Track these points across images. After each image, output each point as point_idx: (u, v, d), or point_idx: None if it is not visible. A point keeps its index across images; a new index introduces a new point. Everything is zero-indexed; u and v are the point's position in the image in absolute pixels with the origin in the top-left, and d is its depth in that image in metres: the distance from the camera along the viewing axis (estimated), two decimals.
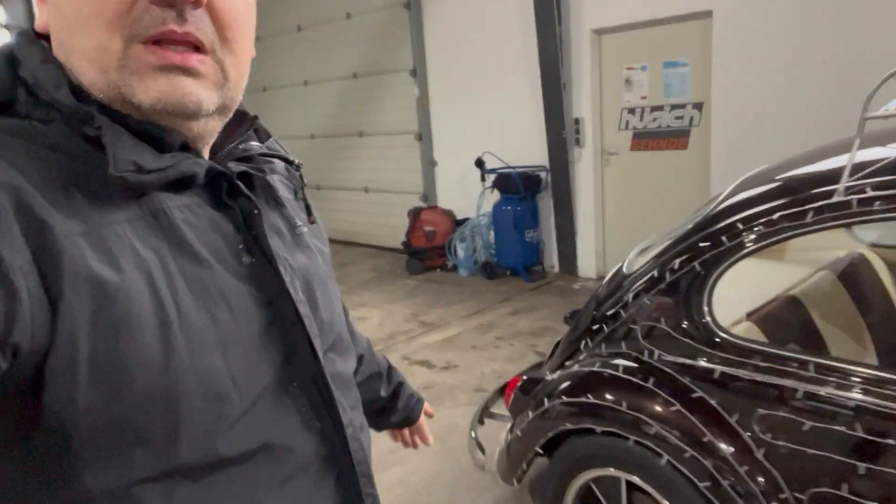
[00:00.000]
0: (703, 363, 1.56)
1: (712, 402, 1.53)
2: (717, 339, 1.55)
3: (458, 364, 3.72)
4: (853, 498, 1.31)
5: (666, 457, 1.55)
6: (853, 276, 2.06)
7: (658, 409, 1.58)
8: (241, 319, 0.59)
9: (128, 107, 0.55)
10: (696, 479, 1.50)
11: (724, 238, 1.55)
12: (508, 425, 2.09)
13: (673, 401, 1.57)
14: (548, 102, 5.03)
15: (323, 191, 7.47)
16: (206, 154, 0.65)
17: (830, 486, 1.35)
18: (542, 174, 5.29)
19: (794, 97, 3.91)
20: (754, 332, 1.64)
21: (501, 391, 2.47)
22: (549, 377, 1.95)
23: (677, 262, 1.64)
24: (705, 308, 1.58)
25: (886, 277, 2.15)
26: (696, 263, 1.60)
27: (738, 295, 1.74)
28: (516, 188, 5.14)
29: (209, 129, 0.62)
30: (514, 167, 5.28)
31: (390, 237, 6.59)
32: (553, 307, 4.62)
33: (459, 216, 5.87)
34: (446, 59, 5.83)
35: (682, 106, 4.61)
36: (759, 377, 1.46)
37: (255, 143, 0.72)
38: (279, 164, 0.75)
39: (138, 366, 0.51)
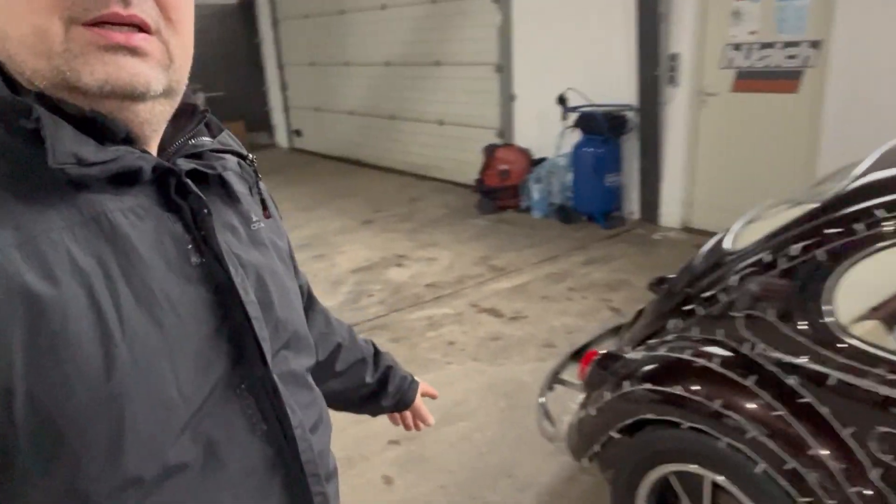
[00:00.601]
0: (816, 366, 1.37)
1: (823, 410, 1.35)
2: (838, 342, 1.35)
3: (528, 315, 3.60)
4: None
5: (763, 465, 1.39)
6: None
7: (759, 411, 1.41)
8: (189, 323, 0.58)
9: (73, 94, 0.53)
10: (795, 493, 1.34)
11: (857, 226, 1.32)
12: (580, 397, 1.97)
13: (777, 404, 1.39)
14: (642, 34, 4.62)
15: (396, 121, 7.31)
16: (153, 149, 0.62)
17: None
18: (629, 114, 4.93)
19: None
20: (880, 332, 1.42)
21: (575, 356, 2.34)
22: (630, 355, 1.80)
23: (797, 247, 1.43)
24: (826, 305, 1.37)
25: None
26: (819, 252, 1.38)
27: (863, 284, 1.51)
28: (600, 128, 4.82)
29: (156, 114, 0.60)
30: (598, 105, 4.94)
31: (463, 173, 6.40)
32: (631, 258, 4.39)
33: (536, 155, 5.60)
34: None
35: (797, 44, 4.12)
36: (888, 391, 1.26)
37: (206, 139, 0.69)
38: (231, 160, 0.72)
39: (78, 379, 0.50)
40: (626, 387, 1.68)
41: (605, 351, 1.93)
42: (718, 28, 4.47)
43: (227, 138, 0.75)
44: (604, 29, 4.96)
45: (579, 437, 1.89)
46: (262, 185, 0.77)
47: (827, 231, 1.37)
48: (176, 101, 0.63)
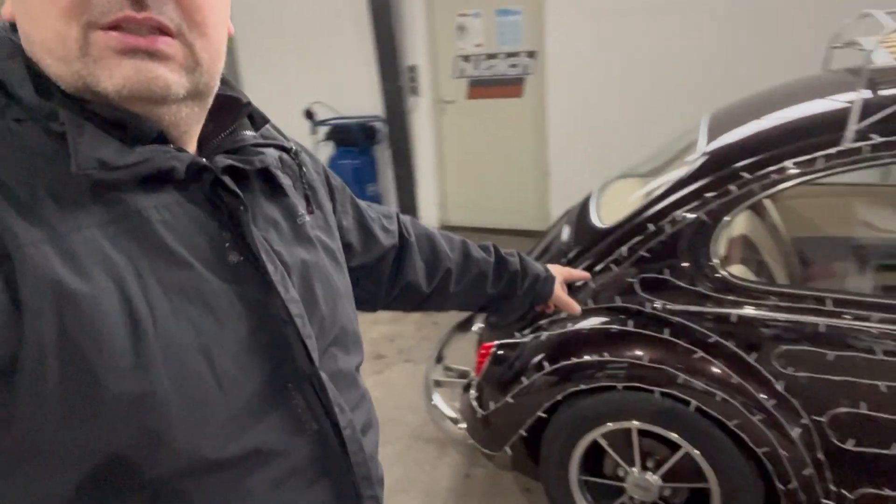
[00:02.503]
0: (717, 309, 1.62)
1: (730, 344, 1.60)
2: (729, 286, 1.61)
3: None
4: (871, 413, 1.48)
5: (694, 403, 1.59)
6: (758, 211, 2.30)
7: (681, 358, 1.61)
8: (226, 321, 0.57)
9: (96, 97, 0.53)
10: (725, 420, 1.57)
11: (731, 187, 1.60)
12: (472, 394, 2.00)
13: (694, 348, 1.61)
14: (380, 48, 4.79)
15: None
16: (191, 146, 0.62)
17: (849, 406, 1.51)
18: (378, 125, 5.07)
19: (629, 46, 4.21)
20: (746, 273, 1.75)
21: (439, 359, 2.36)
22: (527, 339, 1.88)
23: (678, 213, 1.67)
24: (714, 258, 1.63)
25: (772, 208, 2.45)
26: (701, 213, 1.64)
27: (732, 235, 1.82)
28: (354, 140, 4.87)
29: (182, 117, 0.58)
30: (348, 118, 4.98)
31: None
32: None
33: None
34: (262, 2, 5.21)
35: (517, 54, 4.72)
36: (779, 316, 1.56)
37: (248, 133, 0.68)
38: (272, 153, 0.70)
39: (110, 373, 0.50)
40: (546, 367, 1.77)
41: (498, 342, 1.99)
42: (448, 41, 4.87)
43: (271, 130, 0.73)
44: (342, 44, 5.02)
45: (493, 429, 1.91)
46: (309, 175, 0.76)
47: (706, 195, 1.63)
48: (207, 103, 0.62)
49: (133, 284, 0.52)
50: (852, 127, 1.45)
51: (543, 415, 1.79)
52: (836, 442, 1.54)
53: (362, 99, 5.04)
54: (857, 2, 2.23)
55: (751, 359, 1.58)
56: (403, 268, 1.01)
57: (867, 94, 1.54)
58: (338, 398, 0.65)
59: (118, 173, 0.53)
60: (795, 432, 1.54)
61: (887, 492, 1.53)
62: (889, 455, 1.50)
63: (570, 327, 1.80)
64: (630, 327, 1.69)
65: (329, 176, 0.85)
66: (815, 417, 1.55)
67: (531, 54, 4.66)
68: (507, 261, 1.14)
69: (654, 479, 1.75)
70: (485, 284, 1.11)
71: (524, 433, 1.84)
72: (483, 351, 2.00)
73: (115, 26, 0.51)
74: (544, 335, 1.84)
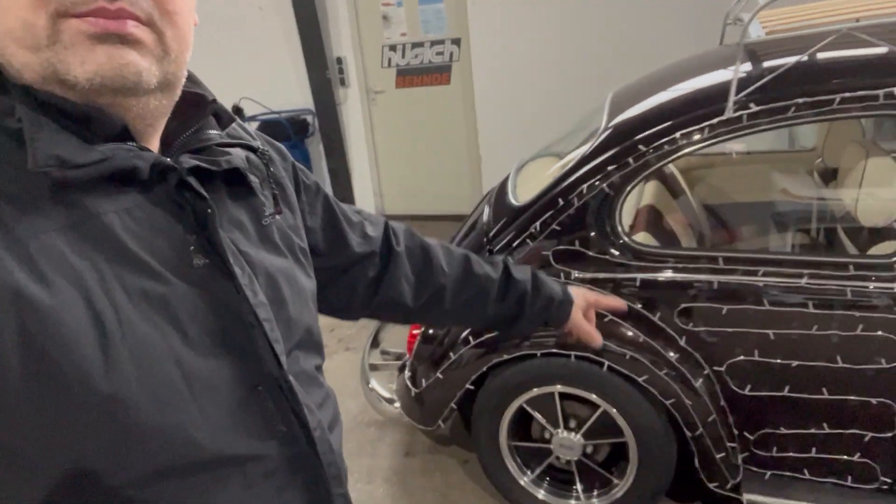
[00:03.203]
0: (623, 274, 1.73)
1: (637, 306, 1.72)
2: (633, 252, 1.73)
3: None
4: (764, 360, 1.62)
5: (607, 363, 1.70)
6: (666, 182, 2.44)
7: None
8: (191, 325, 0.56)
9: (63, 88, 0.51)
10: (635, 376, 1.69)
11: (629, 159, 1.71)
12: (407, 374, 2.07)
13: (604, 312, 1.72)
14: (305, 41, 4.77)
15: None
16: (155, 143, 0.60)
17: (744, 354, 1.64)
18: (308, 118, 5.06)
19: (547, 29, 4.32)
20: (650, 239, 1.86)
21: (374, 343, 2.42)
22: None
23: (584, 186, 1.77)
24: (619, 226, 1.74)
25: (681, 178, 2.60)
26: (604, 186, 1.74)
27: (630, 205, 1.94)
28: (287, 134, 4.84)
29: (151, 109, 0.57)
30: (278, 112, 4.95)
31: None
32: None
33: None
34: None
35: (442, 42, 4.77)
36: (678, 276, 1.68)
37: (213, 132, 0.66)
38: (238, 153, 0.67)
39: (77, 379, 0.49)
40: (471, 341, 1.85)
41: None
42: (373, 31, 4.88)
43: (238, 130, 0.71)
44: (267, 38, 4.96)
45: (427, 405, 1.99)
46: (278, 174, 0.74)
47: (608, 168, 1.73)
48: (174, 96, 0.60)
49: (97, 290, 0.51)
50: (732, 98, 1.58)
51: (471, 387, 1.88)
52: (735, 389, 1.68)
53: (291, 92, 5.01)
54: None
55: (655, 318, 1.70)
56: (385, 279, 0.95)
57: (745, 66, 1.66)
58: (306, 399, 0.65)
59: (78, 172, 0.51)
60: (698, 383, 1.67)
61: (783, 430, 1.68)
62: (782, 397, 1.64)
63: None
64: None
65: (299, 174, 0.82)
66: (715, 368, 1.68)
67: (456, 41, 4.72)
68: (514, 279, 1.03)
69: (576, 438, 1.86)
70: (485, 303, 1.02)
71: (454, 406, 1.92)
72: (414, 331, 2.07)
73: (86, 15, 0.50)
74: None
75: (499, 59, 4.52)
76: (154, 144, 0.60)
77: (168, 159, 0.58)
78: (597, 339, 1.11)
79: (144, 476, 0.53)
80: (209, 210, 0.59)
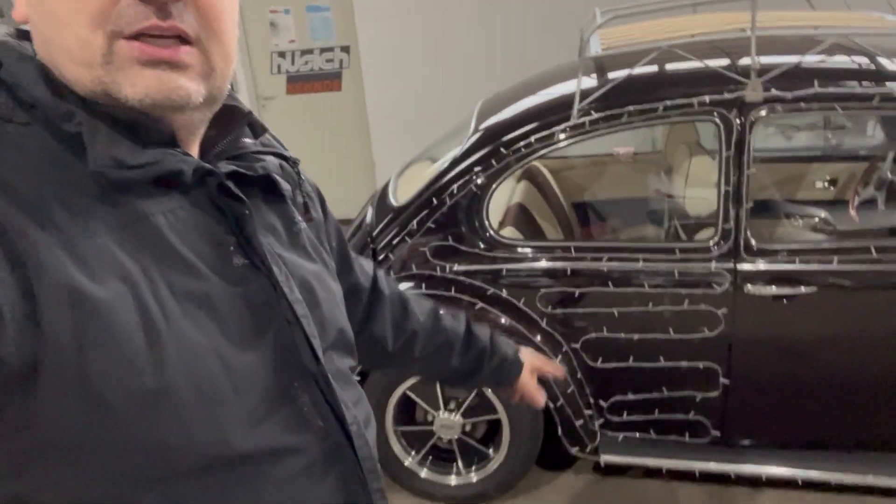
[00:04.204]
0: (491, 266, 1.91)
1: (503, 294, 1.91)
2: (499, 245, 1.91)
3: None
4: (611, 335, 1.85)
5: None
6: (536, 182, 2.67)
7: (465, 310, 1.88)
8: (232, 323, 0.59)
9: (113, 103, 0.54)
10: None
11: (493, 161, 1.90)
12: None
13: (474, 300, 1.89)
14: None
15: None
16: (194, 151, 0.63)
17: (595, 331, 1.87)
18: None
19: (430, 38, 4.51)
20: (515, 234, 2.06)
21: None
22: None
23: (454, 186, 1.94)
24: (486, 222, 1.92)
25: (551, 179, 2.84)
26: (472, 186, 1.92)
27: (496, 203, 2.13)
28: None
29: (194, 121, 0.61)
30: None
31: None
32: None
33: None
34: None
35: (331, 49, 4.85)
36: (538, 265, 1.88)
37: (248, 140, 0.70)
38: (273, 161, 0.72)
39: (128, 375, 0.51)
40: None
41: None
42: (261, 38, 4.89)
43: (271, 139, 0.75)
44: None
45: None
46: (305, 186, 0.78)
47: (476, 168, 1.91)
48: (215, 108, 0.63)
49: (145, 288, 0.53)
50: (576, 106, 1.79)
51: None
52: (589, 363, 1.90)
53: None
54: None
55: (520, 303, 1.90)
56: (372, 318, 0.98)
57: (589, 79, 1.90)
58: (342, 395, 0.66)
59: (131, 173, 0.54)
60: (558, 359, 1.88)
61: (631, 396, 1.92)
62: (628, 367, 1.88)
63: None
64: (423, 290, 1.93)
65: (323, 197, 0.86)
66: (572, 345, 1.90)
67: (345, 49, 4.82)
68: (476, 335, 1.07)
69: (456, 418, 2.02)
70: (451, 355, 1.04)
71: None
72: None
73: (138, 35, 0.52)
74: None
75: (388, 66, 4.66)
76: (194, 151, 0.63)
77: (208, 164, 0.60)
78: (540, 400, 1.14)
79: (187, 469, 0.55)
80: (247, 212, 0.61)
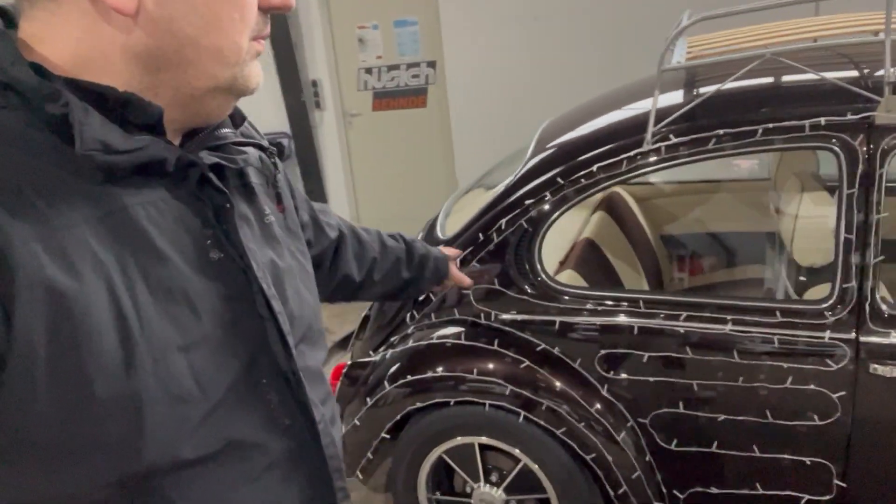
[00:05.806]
0: (542, 317, 1.61)
1: (556, 351, 1.59)
2: (552, 292, 1.60)
3: None
4: (689, 413, 1.48)
5: (522, 412, 1.57)
6: (616, 212, 2.31)
7: (508, 368, 1.59)
8: (206, 318, 0.58)
9: (242, 93, 0.62)
10: (553, 428, 1.55)
11: (547, 194, 1.59)
12: None
13: (521, 358, 1.59)
14: (280, 64, 4.71)
15: None
16: (176, 141, 0.62)
17: (668, 406, 1.51)
18: (284, 141, 4.98)
19: (517, 51, 4.24)
20: (576, 278, 1.74)
21: None
22: (376, 358, 1.84)
23: (503, 222, 1.65)
24: (537, 264, 1.62)
25: (636, 208, 2.47)
26: (522, 221, 1.62)
27: (554, 242, 1.82)
28: None
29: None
30: None
31: None
32: None
33: None
34: None
35: (417, 64, 4.70)
36: (598, 320, 1.55)
37: (227, 130, 0.69)
38: (253, 153, 0.72)
39: (98, 373, 0.51)
40: (387, 387, 1.72)
41: (350, 362, 1.94)
42: (349, 54, 4.82)
43: (250, 129, 0.75)
44: None
45: (348, 452, 1.86)
46: (279, 177, 0.77)
47: (526, 202, 1.61)
48: None
49: (120, 283, 0.52)
50: (650, 129, 1.46)
51: (386, 435, 1.75)
52: (661, 443, 1.54)
53: (267, 115, 4.94)
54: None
55: (576, 364, 1.57)
56: (339, 260, 1.08)
57: (668, 95, 1.55)
58: (311, 393, 0.67)
59: (118, 158, 0.53)
60: (621, 436, 1.54)
61: (714, 490, 1.54)
62: (712, 453, 1.50)
63: (411, 344, 1.76)
64: (462, 340, 1.66)
65: (290, 182, 0.88)
66: (639, 419, 1.54)
67: (431, 64, 4.65)
68: (414, 245, 1.24)
69: (497, 493, 1.72)
70: (401, 270, 1.20)
71: (371, 456, 1.79)
72: (337, 372, 1.95)
73: (260, 38, 0.61)
74: (389, 353, 1.80)
75: (474, 81, 4.43)
76: (175, 140, 0.62)
77: (191, 155, 0.60)
78: (468, 280, 1.41)
79: (152, 467, 0.55)
80: (228, 205, 0.61)
